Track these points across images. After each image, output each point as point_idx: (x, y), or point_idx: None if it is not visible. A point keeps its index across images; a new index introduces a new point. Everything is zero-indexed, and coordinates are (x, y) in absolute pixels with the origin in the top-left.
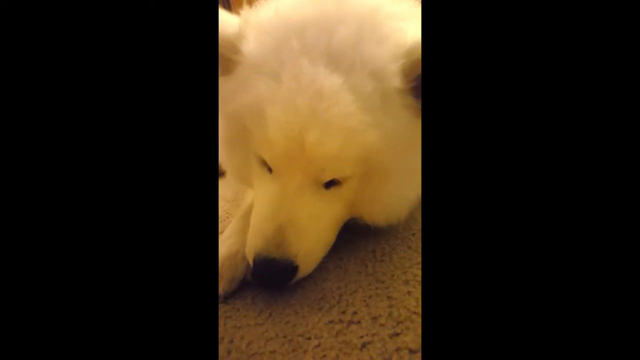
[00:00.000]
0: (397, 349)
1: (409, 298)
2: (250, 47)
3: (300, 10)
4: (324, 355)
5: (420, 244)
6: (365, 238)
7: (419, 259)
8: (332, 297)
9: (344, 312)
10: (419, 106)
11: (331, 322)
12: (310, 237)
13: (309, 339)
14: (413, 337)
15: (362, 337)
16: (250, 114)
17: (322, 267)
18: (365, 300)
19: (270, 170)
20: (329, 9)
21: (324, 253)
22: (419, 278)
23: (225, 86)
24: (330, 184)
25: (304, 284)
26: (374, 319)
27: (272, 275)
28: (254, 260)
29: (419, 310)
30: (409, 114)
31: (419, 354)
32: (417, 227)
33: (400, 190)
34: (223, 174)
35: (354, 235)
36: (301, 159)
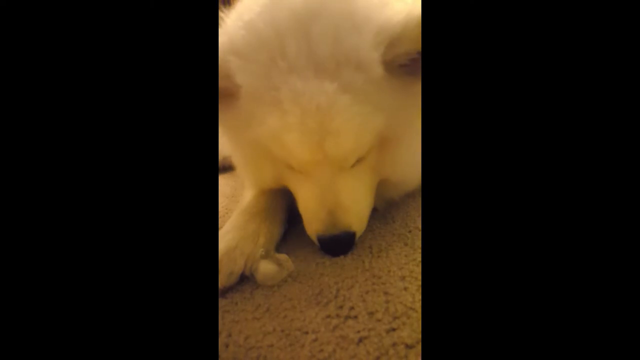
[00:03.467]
0: (394, 344)
1: (405, 294)
2: (243, 79)
3: (272, 22)
4: (321, 350)
5: (416, 241)
6: (362, 234)
7: (415, 256)
8: (330, 292)
9: (341, 307)
10: (405, 80)
11: (328, 316)
12: (356, 207)
13: (306, 333)
14: (409, 332)
15: (358, 332)
16: (269, 140)
17: (319, 262)
18: (362, 296)
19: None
20: (299, 9)
21: (370, 210)
22: (415, 274)
23: (235, 119)
24: (355, 163)
25: (301, 279)
26: (371, 314)
27: (338, 246)
28: (318, 239)
29: (415, 305)
30: (398, 90)
31: (415, 349)
32: (414, 224)
33: (411, 149)
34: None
35: None
36: (326, 160)
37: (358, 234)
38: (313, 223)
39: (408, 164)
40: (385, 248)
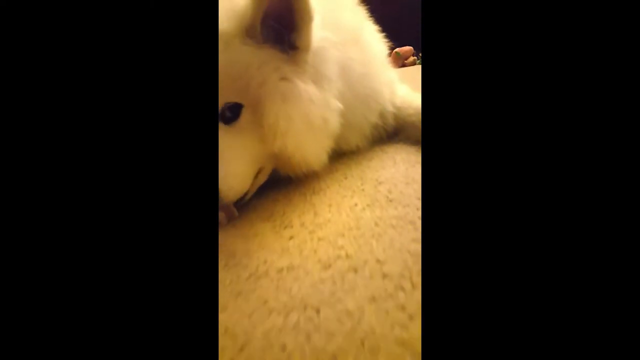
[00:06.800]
0: (311, 237)
1: (329, 210)
2: None
3: None
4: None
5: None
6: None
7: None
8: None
9: (282, 222)
10: (259, 43)
11: (273, 227)
12: (223, 166)
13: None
14: (326, 234)
15: (292, 237)
16: None
17: (274, 199)
18: (299, 216)
19: None
20: None
21: (243, 180)
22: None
23: None
24: (228, 120)
25: (258, 208)
26: (302, 224)
27: None
28: None
29: (334, 218)
30: (250, 49)
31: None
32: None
33: (285, 114)
34: None
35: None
36: None
37: (224, 194)
38: None
39: (292, 129)
40: (324, 189)
